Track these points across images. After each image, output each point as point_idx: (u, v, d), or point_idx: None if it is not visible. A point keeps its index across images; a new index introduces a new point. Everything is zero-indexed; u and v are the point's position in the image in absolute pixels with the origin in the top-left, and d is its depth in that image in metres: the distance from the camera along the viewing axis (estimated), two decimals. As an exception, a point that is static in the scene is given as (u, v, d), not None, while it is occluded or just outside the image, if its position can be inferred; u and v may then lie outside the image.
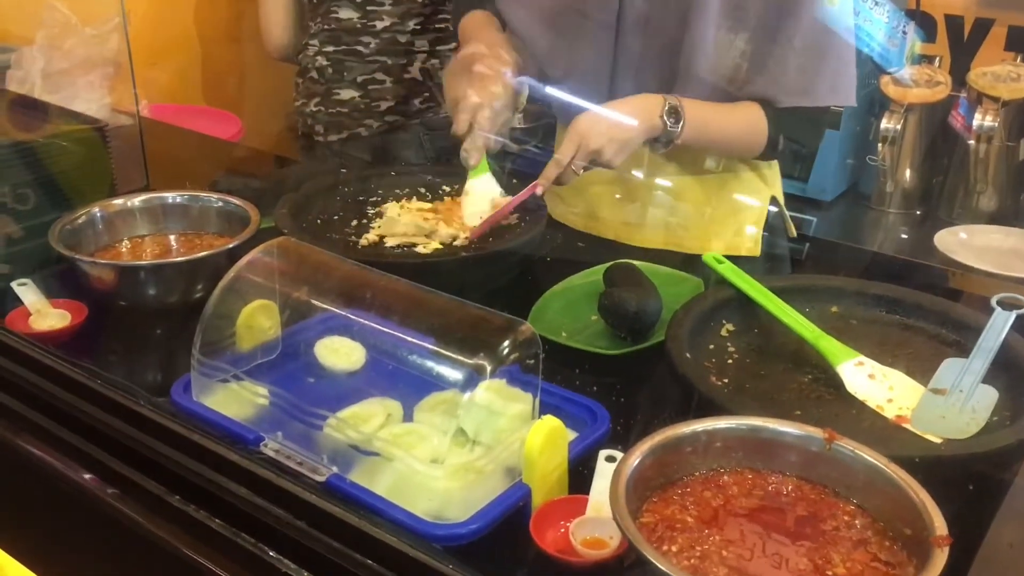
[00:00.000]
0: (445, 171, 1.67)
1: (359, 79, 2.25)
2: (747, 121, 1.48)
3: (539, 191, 1.44)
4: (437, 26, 2.24)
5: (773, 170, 1.68)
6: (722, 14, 1.42)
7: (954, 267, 2.15)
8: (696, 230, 1.62)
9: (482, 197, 1.52)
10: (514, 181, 1.59)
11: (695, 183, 1.61)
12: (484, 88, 1.48)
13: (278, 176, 1.88)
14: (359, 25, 2.22)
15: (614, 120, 1.40)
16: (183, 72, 2.92)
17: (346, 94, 2.26)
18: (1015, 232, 2.30)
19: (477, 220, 1.49)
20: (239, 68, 2.95)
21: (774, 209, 1.66)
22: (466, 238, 1.46)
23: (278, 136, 2.84)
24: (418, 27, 2.23)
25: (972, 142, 2.34)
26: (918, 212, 2.52)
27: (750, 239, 1.63)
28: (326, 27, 2.24)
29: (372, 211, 1.57)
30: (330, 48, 2.24)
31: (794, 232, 1.72)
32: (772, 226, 1.66)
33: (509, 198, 1.50)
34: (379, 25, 2.22)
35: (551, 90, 1.59)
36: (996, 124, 2.29)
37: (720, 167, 1.60)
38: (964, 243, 2.25)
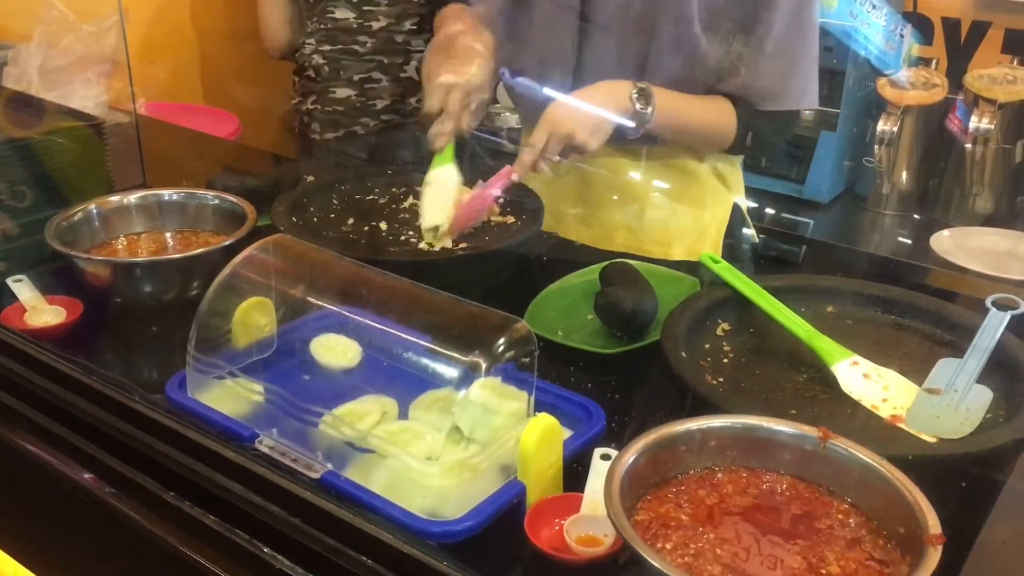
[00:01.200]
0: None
1: (355, 78, 2.25)
2: (717, 112, 1.48)
3: (515, 177, 1.41)
4: (433, 25, 2.25)
5: (736, 174, 1.67)
6: (696, 11, 1.41)
7: (950, 269, 2.15)
8: (658, 235, 1.61)
9: (444, 189, 1.46)
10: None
11: (657, 188, 1.60)
12: (458, 68, 1.45)
13: (275, 174, 1.88)
14: (355, 25, 2.22)
15: (585, 104, 1.39)
16: (180, 70, 2.92)
17: (342, 92, 2.26)
18: (1011, 234, 2.30)
19: (438, 215, 1.42)
20: (237, 66, 2.95)
21: (737, 214, 1.66)
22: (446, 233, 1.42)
23: (275, 134, 2.84)
24: (414, 27, 2.24)
25: (968, 144, 2.34)
26: (914, 214, 2.52)
27: (711, 244, 1.62)
28: (322, 26, 2.24)
29: (369, 209, 1.57)
30: (327, 47, 2.25)
31: (756, 238, 1.71)
32: (735, 231, 1.65)
33: (469, 191, 1.45)
34: (375, 25, 2.22)
35: (511, 81, 1.56)
36: (992, 126, 2.29)
37: (702, 161, 1.59)
38: (960, 245, 2.25)
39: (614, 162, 1.58)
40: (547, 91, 1.46)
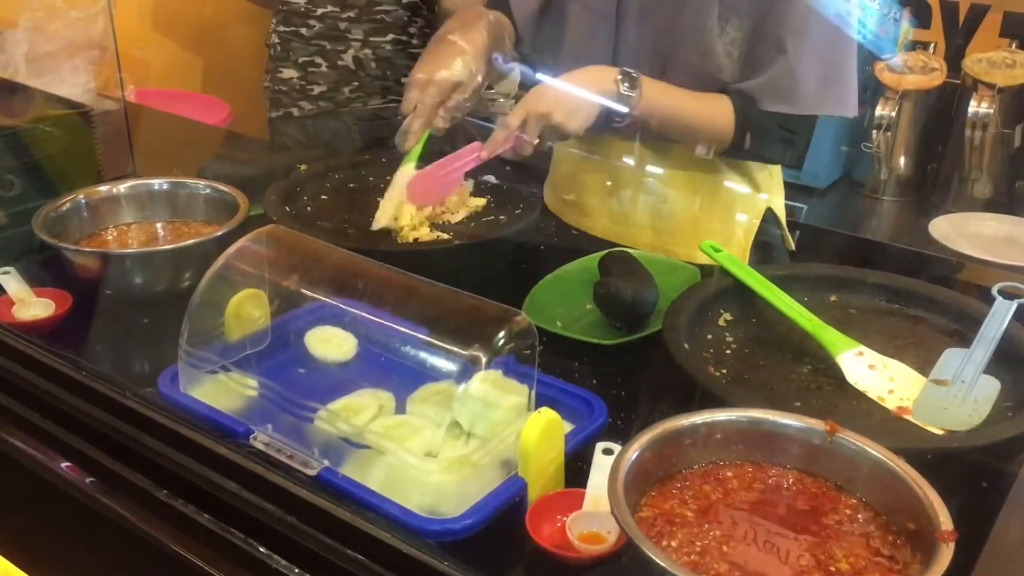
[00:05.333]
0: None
1: (300, 60, 2.28)
2: (713, 106, 1.44)
3: (484, 155, 1.40)
4: (373, 16, 2.25)
5: (774, 179, 1.64)
6: (722, 11, 1.40)
7: (948, 255, 2.14)
8: (683, 235, 1.59)
9: (397, 192, 1.44)
10: (507, 168, 1.58)
11: (686, 186, 1.57)
12: (437, 65, 1.42)
13: (267, 162, 1.86)
14: (303, 9, 2.24)
15: (565, 85, 1.37)
16: (170, 56, 2.89)
17: (287, 73, 2.30)
18: (1009, 219, 2.29)
19: (387, 217, 1.41)
20: (227, 53, 2.92)
21: (770, 218, 1.62)
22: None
23: (266, 121, 2.81)
24: (354, 16, 2.24)
25: (967, 129, 2.33)
26: (913, 199, 2.51)
27: (738, 247, 1.59)
28: (281, 7, 2.27)
29: (364, 198, 1.55)
30: (282, 28, 2.29)
31: (792, 245, 1.68)
32: (767, 237, 1.61)
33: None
34: (320, 11, 2.23)
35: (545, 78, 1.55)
36: (991, 111, 2.28)
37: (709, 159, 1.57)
38: (958, 231, 2.23)
39: (641, 160, 1.56)
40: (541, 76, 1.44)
